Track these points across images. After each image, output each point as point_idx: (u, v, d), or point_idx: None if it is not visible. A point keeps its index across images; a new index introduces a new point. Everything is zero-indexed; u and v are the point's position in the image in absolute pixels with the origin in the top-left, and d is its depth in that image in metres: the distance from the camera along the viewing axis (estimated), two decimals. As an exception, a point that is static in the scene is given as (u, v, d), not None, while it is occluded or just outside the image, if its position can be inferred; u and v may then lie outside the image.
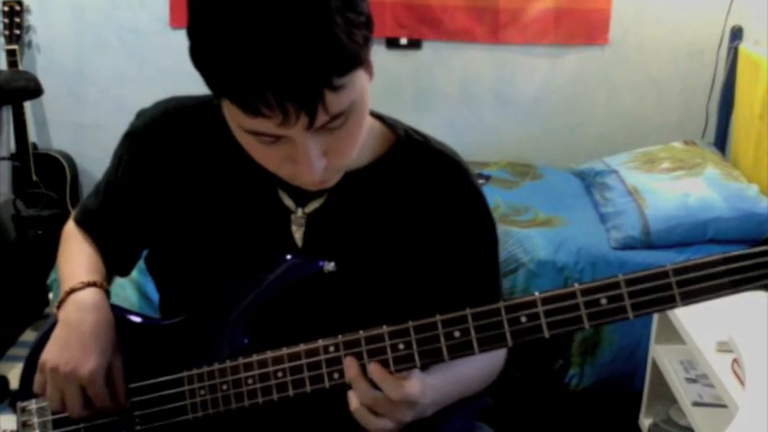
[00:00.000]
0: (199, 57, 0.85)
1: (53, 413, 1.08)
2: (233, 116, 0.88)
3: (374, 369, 0.93)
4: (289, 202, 1.05)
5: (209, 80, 0.85)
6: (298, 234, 1.05)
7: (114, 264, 1.18)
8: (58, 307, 1.07)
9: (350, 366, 0.94)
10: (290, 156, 0.89)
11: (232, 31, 0.80)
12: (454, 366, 0.98)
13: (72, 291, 1.07)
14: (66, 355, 1.03)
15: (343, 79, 0.83)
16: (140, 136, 1.10)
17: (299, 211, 1.05)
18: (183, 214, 1.08)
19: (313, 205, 1.05)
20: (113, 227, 1.15)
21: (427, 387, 0.95)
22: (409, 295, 0.99)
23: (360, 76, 0.87)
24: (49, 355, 1.04)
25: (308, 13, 0.79)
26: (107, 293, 1.10)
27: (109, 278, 1.17)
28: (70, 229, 1.20)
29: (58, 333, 1.05)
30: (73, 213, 1.22)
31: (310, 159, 0.88)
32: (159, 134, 1.09)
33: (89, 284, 1.08)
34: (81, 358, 1.02)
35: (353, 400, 0.94)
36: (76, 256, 1.15)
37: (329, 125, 0.87)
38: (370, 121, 1.03)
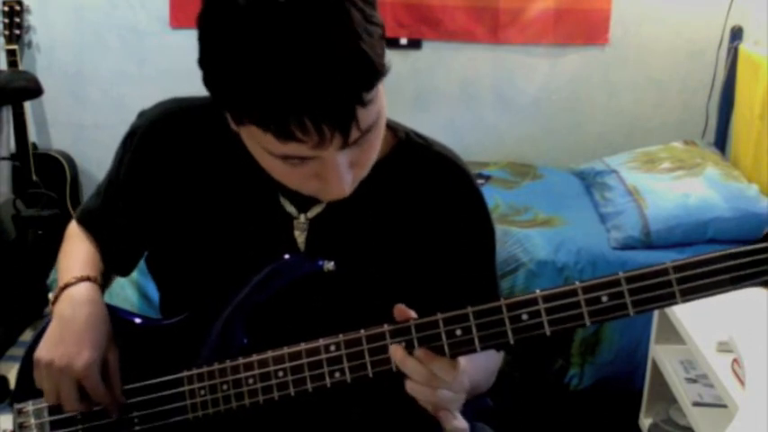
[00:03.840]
0: (221, 88, 0.83)
1: (51, 408, 1.07)
2: (260, 142, 0.86)
3: (423, 353, 0.91)
4: (291, 208, 1.05)
5: (233, 110, 0.84)
6: (300, 239, 1.05)
7: (115, 263, 1.18)
8: (53, 303, 1.07)
9: (396, 351, 0.92)
10: (318, 173, 0.89)
11: (258, 59, 0.79)
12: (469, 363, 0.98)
13: (66, 286, 1.07)
14: (60, 349, 1.03)
15: (371, 93, 0.82)
16: (142, 136, 1.09)
17: (302, 217, 1.05)
18: (184, 217, 1.08)
19: (315, 210, 1.05)
20: (114, 227, 1.14)
21: (467, 368, 0.94)
22: (409, 296, 0.99)
23: (381, 85, 0.86)
24: (44, 350, 1.04)
25: (334, 31, 0.78)
26: (102, 288, 1.10)
27: (108, 277, 1.17)
28: (72, 229, 1.20)
29: (51, 328, 1.05)
30: (75, 214, 1.22)
31: (341, 175, 0.88)
32: (161, 135, 1.08)
33: (82, 279, 1.08)
34: (75, 352, 1.02)
35: (408, 383, 0.92)
36: (74, 253, 1.15)
37: (359, 140, 0.86)
38: None
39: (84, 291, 1.07)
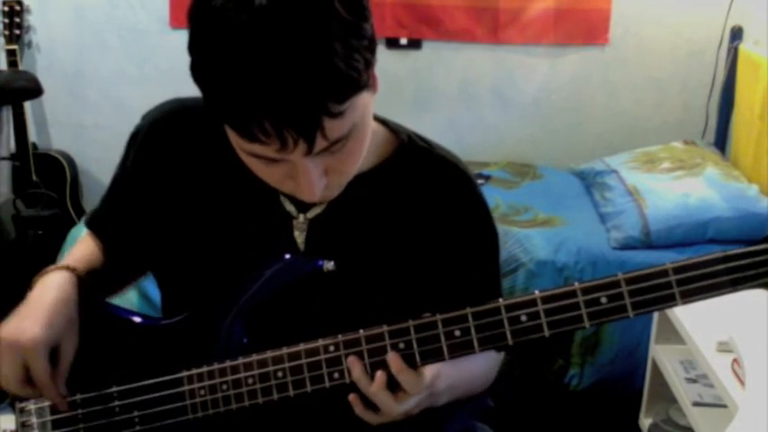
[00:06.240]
0: (198, 79, 0.85)
1: (53, 408, 1.07)
2: (232, 137, 0.88)
3: (393, 359, 0.92)
4: (290, 207, 1.05)
5: (207, 104, 0.86)
6: (300, 239, 1.05)
7: (123, 265, 1.18)
8: (30, 288, 1.08)
9: (354, 365, 0.94)
10: (291, 174, 0.90)
11: (230, 57, 0.80)
12: (461, 362, 0.98)
13: (45, 273, 1.08)
14: (15, 326, 1.02)
15: (342, 106, 0.83)
16: (144, 137, 1.10)
17: (301, 217, 1.05)
18: (186, 216, 1.08)
19: (315, 211, 1.05)
20: (120, 228, 1.15)
21: (442, 374, 0.95)
22: (410, 299, 1.00)
23: (361, 98, 0.87)
24: (3, 328, 1.04)
25: (307, 42, 0.79)
26: (80, 279, 1.09)
27: (112, 279, 1.17)
28: (84, 233, 1.21)
29: (17, 310, 1.05)
30: (84, 218, 1.22)
31: (311, 180, 0.89)
32: (162, 135, 1.09)
33: (61, 268, 1.08)
34: (28, 328, 1.01)
35: (357, 406, 0.95)
36: (72, 251, 1.16)
37: (330, 148, 0.87)
38: (373, 126, 1.03)
39: (56, 277, 1.07)
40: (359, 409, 0.95)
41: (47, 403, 1.08)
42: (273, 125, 0.81)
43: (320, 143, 0.84)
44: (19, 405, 1.10)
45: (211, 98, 0.84)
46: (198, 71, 0.84)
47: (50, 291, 1.05)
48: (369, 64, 0.86)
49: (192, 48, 0.85)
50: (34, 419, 1.09)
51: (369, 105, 0.91)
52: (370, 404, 0.95)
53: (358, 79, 0.83)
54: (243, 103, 0.81)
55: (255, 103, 0.80)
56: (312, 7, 0.80)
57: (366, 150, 0.94)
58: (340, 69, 0.81)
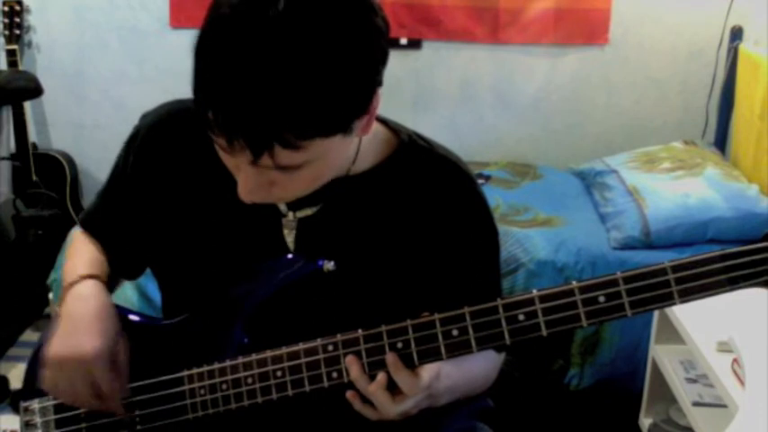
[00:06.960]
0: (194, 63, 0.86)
1: (56, 407, 1.08)
2: None
3: (390, 360, 0.93)
4: (282, 205, 1.05)
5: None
6: (289, 237, 1.05)
7: (120, 265, 1.18)
8: (60, 304, 1.08)
9: (352, 364, 0.94)
10: (239, 168, 0.91)
11: (222, 46, 0.82)
12: (461, 362, 0.98)
13: (71, 285, 1.08)
14: (70, 342, 1.02)
15: (300, 141, 0.83)
16: (142, 137, 1.10)
17: (291, 215, 1.05)
18: (183, 216, 1.09)
19: (306, 211, 1.05)
20: (118, 227, 1.15)
21: (442, 374, 0.95)
22: (409, 299, 1.00)
23: (330, 142, 0.87)
24: (54, 348, 1.03)
25: (289, 68, 0.80)
26: (106, 285, 1.10)
27: (114, 278, 1.17)
28: (76, 235, 1.21)
29: (61, 326, 1.05)
30: (78, 219, 1.23)
31: (245, 183, 0.90)
32: (161, 136, 1.09)
33: (86, 277, 1.09)
34: (86, 342, 1.02)
35: (356, 402, 0.95)
36: (78, 256, 1.16)
37: (276, 168, 0.87)
38: (374, 126, 1.03)
39: (89, 287, 1.08)
40: (357, 404, 0.95)
41: (50, 402, 1.08)
42: (227, 126, 0.83)
43: (267, 161, 0.85)
44: (23, 404, 1.11)
45: (193, 84, 0.86)
46: (195, 57, 0.86)
47: (88, 301, 1.06)
48: (357, 112, 0.86)
49: (197, 39, 0.86)
50: (38, 418, 1.09)
51: (338, 149, 0.91)
52: (367, 399, 0.95)
53: (330, 124, 0.84)
54: (210, 91, 0.83)
55: (220, 98, 0.82)
56: (320, 39, 0.81)
57: (321, 181, 0.95)
58: (311, 109, 0.81)
